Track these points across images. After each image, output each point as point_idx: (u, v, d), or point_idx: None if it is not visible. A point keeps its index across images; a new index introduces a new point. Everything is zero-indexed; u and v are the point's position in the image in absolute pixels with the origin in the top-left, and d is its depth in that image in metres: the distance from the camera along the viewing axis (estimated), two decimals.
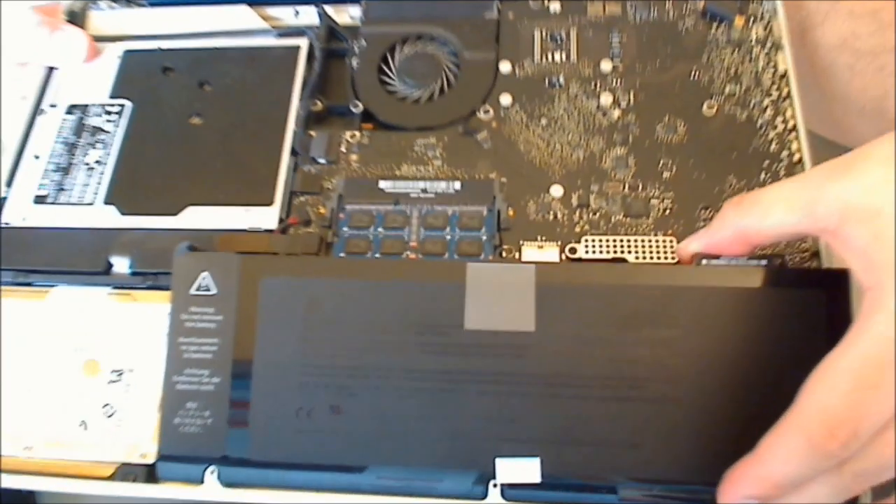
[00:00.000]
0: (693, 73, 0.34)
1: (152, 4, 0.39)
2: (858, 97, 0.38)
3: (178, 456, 0.28)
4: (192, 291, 0.29)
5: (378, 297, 0.29)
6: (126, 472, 0.29)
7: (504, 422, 0.27)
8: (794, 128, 0.33)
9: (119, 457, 0.29)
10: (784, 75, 0.34)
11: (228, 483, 0.28)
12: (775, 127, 0.33)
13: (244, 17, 0.37)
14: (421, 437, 0.28)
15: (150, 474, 0.29)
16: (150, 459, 0.29)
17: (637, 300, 0.28)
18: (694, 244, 0.28)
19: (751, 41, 0.35)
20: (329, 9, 0.38)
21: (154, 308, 0.31)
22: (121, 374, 0.30)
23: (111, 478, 0.29)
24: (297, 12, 0.38)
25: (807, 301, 0.27)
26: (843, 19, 0.38)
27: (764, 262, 0.28)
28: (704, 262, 0.28)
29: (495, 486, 0.27)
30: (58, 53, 0.37)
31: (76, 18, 0.38)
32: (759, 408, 0.26)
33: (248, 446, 0.28)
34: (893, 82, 0.36)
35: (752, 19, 0.35)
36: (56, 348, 0.31)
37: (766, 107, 0.33)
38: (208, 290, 0.29)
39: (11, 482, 0.29)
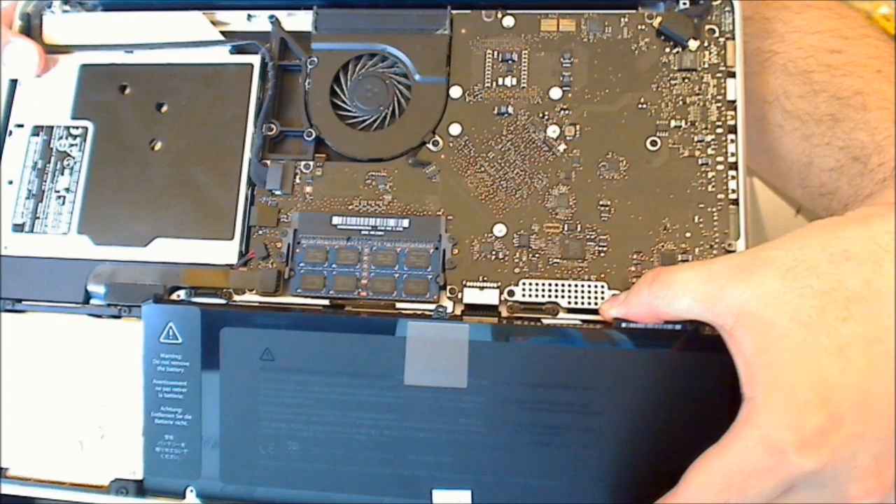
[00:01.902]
0: (641, 103, 0.34)
1: (105, 8, 0.38)
2: (785, 158, 0.37)
3: (161, 478, 0.33)
4: (161, 340, 0.32)
5: (326, 349, 0.32)
6: (119, 486, 0.34)
7: (440, 459, 0.32)
8: (735, 165, 0.33)
9: (110, 476, 0.34)
10: (733, 104, 0.34)
11: (206, 498, 0.33)
12: (716, 166, 0.33)
13: (197, 24, 0.37)
14: (367, 469, 0.32)
15: (139, 488, 0.34)
16: (140, 476, 0.34)
17: (558, 361, 0.31)
18: (613, 310, 0.30)
19: (703, 67, 0.34)
20: (282, 15, 0.37)
21: (136, 327, 0.34)
22: (107, 395, 0.34)
23: (107, 490, 0.34)
24: (249, 17, 0.37)
25: (714, 364, 0.30)
26: (776, 74, 0.36)
27: (678, 326, 0.30)
28: (623, 324, 0.31)
29: None
30: (10, 66, 0.37)
31: (30, 22, 0.38)
32: (664, 461, 0.30)
33: (219, 472, 0.33)
34: (818, 154, 0.35)
35: (706, 43, 0.34)
36: (42, 370, 0.35)
37: (710, 143, 0.33)
38: (175, 338, 0.32)
39: (12, 489, 0.34)
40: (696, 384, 0.30)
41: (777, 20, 0.37)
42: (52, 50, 0.38)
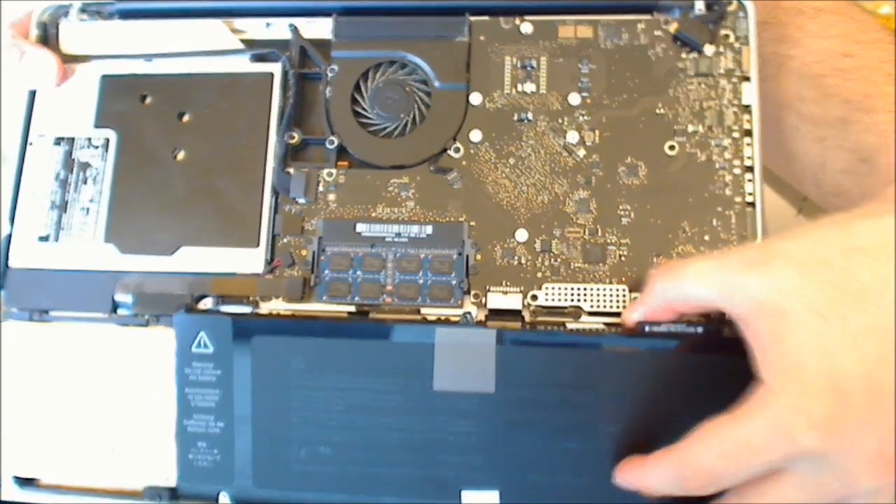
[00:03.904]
0: (659, 108, 0.35)
1: (122, 16, 0.38)
2: (801, 159, 0.38)
3: (195, 484, 0.34)
4: (193, 349, 0.33)
5: (356, 356, 0.33)
6: (152, 493, 0.34)
7: (469, 460, 0.32)
8: (752, 168, 0.34)
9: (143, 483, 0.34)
10: (748, 108, 0.34)
11: (239, 502, 0.34)
12: (732, 169, 0.34)
13: (216, 32, 0.37)
14: (397, 471, 0.33)
15: (173, 495, 0.34)
16: (173, 482, 0.34)
17: (584, 364, 0.32)
18: (634, 314, 0.31)
19: (719, 72, 0.35)
20: (301, 22, 0.37)
21: (166, 334, 0.35)
22: (137, 403, 0.35)
23: (140, 496, 0.35)
24: (267, 24, 0.38)
25: (738, 367, 0.31)
26: (791, 78, 0.37)
27: (700, 329, 0.31)
28: (647, 328, 0.31)
29: None
30: (28, 77, 0.37)
31: (47, 31, 0.38)
32: None
33: (252, 478, 0.33)
34: (831, 156, 0.36)
35: (721, 48, 0.35)
36: (70, 379, 0.35)
37: (726, 147, 0.34)
38: (207, 347, 0.33)
39: (45, 498, 0.35)
40: (723, 387, 0.31)
41: (792, 25, 0.37)
42: (70, 59, 0.38)
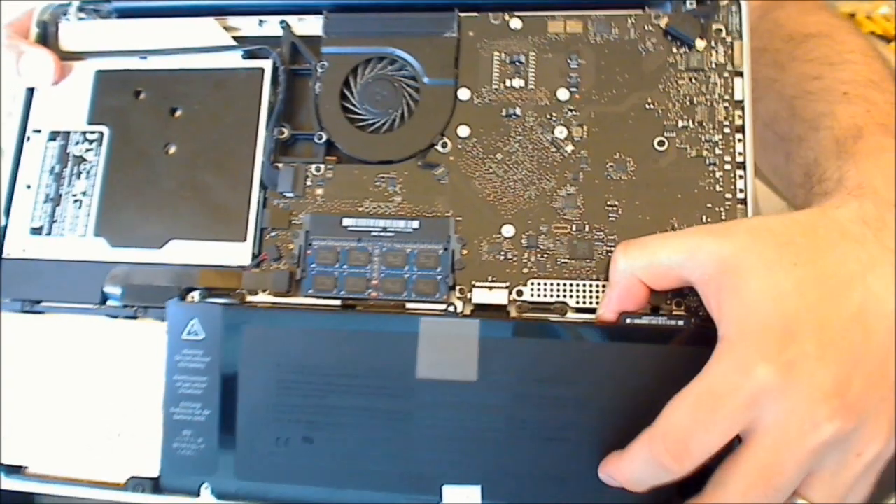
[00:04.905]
0: (648, 103, 0.34)
1: (120, 15, 0.39)
2: (776, 173, 0.42)
3: (178, 473, 0.34)
4: (184, 336, 0.33)
5: (342, 346, 0.33)
6: (136, 483, 0.34)
7: (450, 455, 0.32)
8: (743, 164, 0.33)
9: (127, 474, 0.34)
10: (740, 103, 0.34)
11: (220, 496, 0.34)
12: (723, 165, 0.33)
13: (209, 29, 0.38)
14: (380, 465, 0.32)
15: (155, 486, 0.34)
16: (156, 473, 0.34)
17: (568, 357, 0.31)
18: (608, 309, 0.32)
19: (710, 67, 0.34)
20: (292, 20, 0.38)
21: (153, 327, 0.35)
22: (123, 395, 0.35)
23: (123, 487, 0.35)
24: (260, 22, 0.38)
25: None
26: (773, 100, 0.40)
27: (680, 322, 0.31)
28: (628, 320, 0.31)
29: None
30: (26, 75, 0.38)
31: (47, 30, 0.39)
32: None
33: (234, 468, 0.33)
34: (792, 170, 0.39)
35: (713, 43, 0.34)
36: (59, 369, 0.35)
37: (717, 142, 0.34)
38: (197, 335, 0.33)
39: (30, 487, 0.35)
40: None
41: (783, 51, 0.41)
42: (68, 57, 0.39)
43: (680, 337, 0.31)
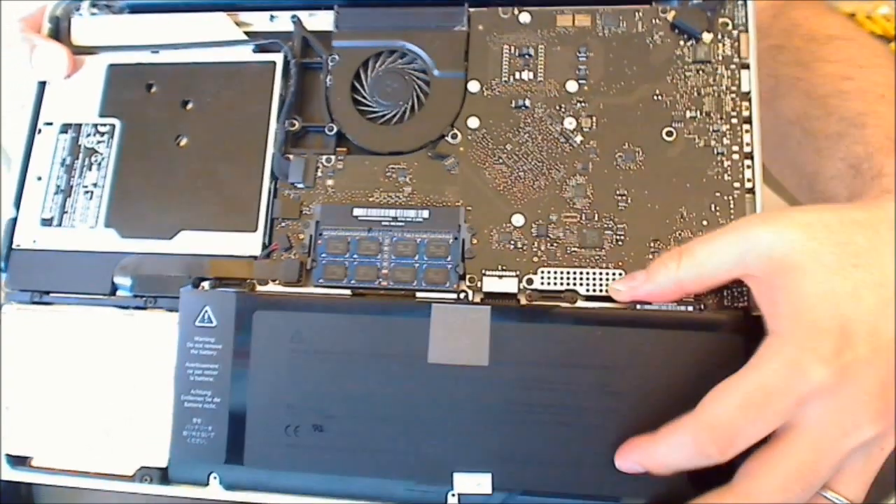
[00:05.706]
0: (656, 94, 0.35)
1: (132, 10, 0.39)
2: (799, 168, 0.42)
3: (187, 462, 0.33)
4: (196, 323, 0.33)
5: (354, 331, 0.33)
6: (143, 473, 0.34)
7: (461, 442, 0.32)
8: (751, 154, 0.34)
9: (136, 465, 0.34)
10: (747, 95, 0.34)
11: (229, 486, 0.33)
12: (731, 155, 0.34)
13: (221, 24, 0.38)
14: (390, 452, 0.32)
15: (163, 476, 0.34)
16: (164, 464, 0.34)
17: (579, 342, 0.32)
18: (627, 296, 0.32)
19: (717, 59, 0.35)
20: (303, 15, 0.38)
21: (162, 318, 0.35)
22: (133, 385, 0.35)
23: (131, 478, 0.34)
24: (272, 17, 0.38)
25: (726, 343, 0.31)
26: (800, 98, 0.41)
27: (690, 308, 0.31)
28: (638, 306, 0.31)
29: (453, 496, 0.32)
30: (39, 69, 0.38)
31: (59, 25, 0.39)
32: None
33: (244, 457, 0.33)
34: (824, 165, 0.39)
35: (720, 36, 0.35)
36: (70, 360, 0.35)
37: (725, 133, 0.34)
38: (210, 322, 0.33)
39: (38, 478, 0.35)
40: (715, 364, 0.30)
41: (805, 50, 0.42)
42: (80, 51, 0.39)
43: (690, 323, 0.31)
